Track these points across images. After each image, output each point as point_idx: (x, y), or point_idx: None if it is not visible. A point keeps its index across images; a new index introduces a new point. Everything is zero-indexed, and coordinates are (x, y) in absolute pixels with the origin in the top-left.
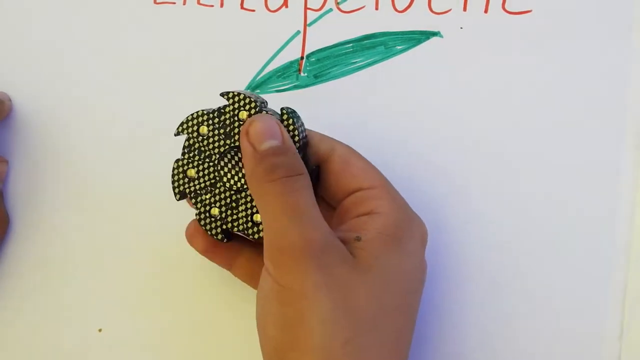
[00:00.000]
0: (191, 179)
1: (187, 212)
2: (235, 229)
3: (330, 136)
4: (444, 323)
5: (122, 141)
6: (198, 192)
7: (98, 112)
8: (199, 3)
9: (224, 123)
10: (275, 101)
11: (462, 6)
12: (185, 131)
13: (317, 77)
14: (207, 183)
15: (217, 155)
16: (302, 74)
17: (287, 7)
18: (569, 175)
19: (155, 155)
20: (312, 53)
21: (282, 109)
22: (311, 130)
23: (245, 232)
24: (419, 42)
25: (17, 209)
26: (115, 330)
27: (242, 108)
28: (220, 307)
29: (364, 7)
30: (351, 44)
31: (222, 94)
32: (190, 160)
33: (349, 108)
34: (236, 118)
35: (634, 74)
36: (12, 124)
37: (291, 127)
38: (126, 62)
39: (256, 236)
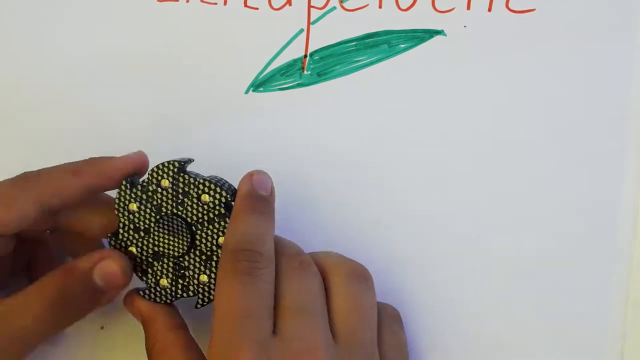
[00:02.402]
0: (133, 257)
1: None
2: (185, 294)
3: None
4: (444, 323)
5: (122, 140)
6: (144, 267)
7: (98, 111)
8: (202, 1)
9: (149, 196)
10: (279, 99)
11: (466, 5)
12: (118, 212)
13: (321, 75)
14: (150, 258)
15: (153, 228)
16: (305, 72)
17: (290, 5)
18: (571, 176)
19: (155, 155)
20: (316, 51)
21: (205, 180)
22: None
23: (196, 295)
24: (422, 40)
25: None
26: (117, 328)
27: (162, 177)
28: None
29: (367, 5)
30: (354, 42)
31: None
32: (128, 238)
33: (352, 106)
34: (160, 188)
35: (639, 73)
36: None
37: (218, 190)
38: (128, 59)
39: (206, 300)
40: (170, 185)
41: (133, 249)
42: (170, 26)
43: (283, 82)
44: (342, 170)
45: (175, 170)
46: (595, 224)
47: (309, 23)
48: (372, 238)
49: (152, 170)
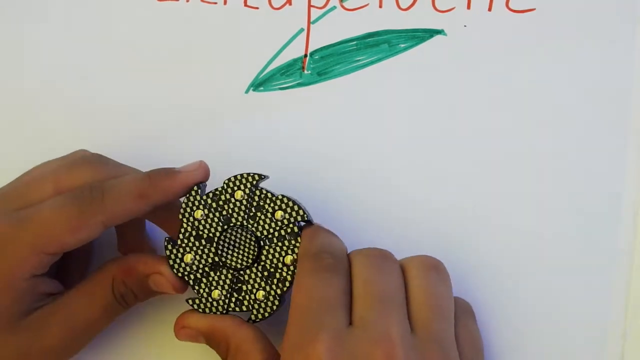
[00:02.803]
0: (188, 264)
1: None
2: (238, 308)
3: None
4: None
5: (122, 139)
6: (198, 277)
7: (99, 110)
8: (202, 0)
9: (220, 205)
10: (279, 98)
11: (466, 4)
12: (183, 217)
13: (321, 75)
14: (207, 268)
15: (218, 237)
16: (305, 72)
17: (290, 4)
18: (571, 175)
19: (156, 154)
20: (316, 51)
21: (283, 196)
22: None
23: (250, 311)
24: (422, 40)
25: None
26: (118, 326)
27: (238, 188)
28: None
29: (367, 5)
30: (355, 42)
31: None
32: (188, 245)
33: (352, 105)
34: (233, 199)
35: (639, 72)
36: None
37: (296, 208)
38: (128, 59)
39: (260, 316)
40: (245, 197)
41: (189, 257)
42: (171, 26)
43: (283, 81)
44: (342, 170)
45: (254, 182)
46: (596, 224)
47: (309, 22)
48: (372, 237)
49: (229, 180)
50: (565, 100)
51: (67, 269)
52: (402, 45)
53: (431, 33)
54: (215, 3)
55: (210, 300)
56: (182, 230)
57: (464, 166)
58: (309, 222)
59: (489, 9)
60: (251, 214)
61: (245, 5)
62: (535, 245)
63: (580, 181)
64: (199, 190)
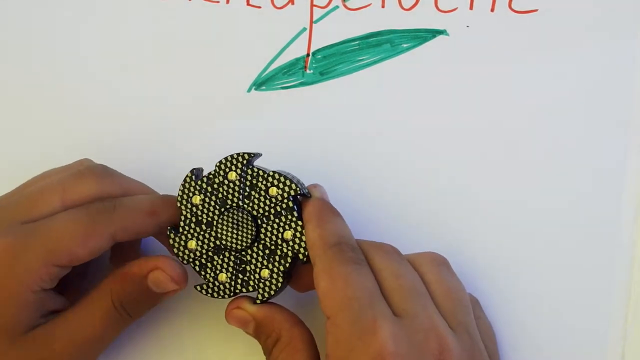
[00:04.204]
0: (192, 251)
1: None
2: (245, 289)
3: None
4: None
5: (123, 140)
6: (203, 262)
7: (99, 109)
8: None
9: (215, 189)
10: (281, 98)
11: (469, 5)
12: (181, 204)
13: (323, 75)
14: (210, 252)
15: (216, 221)
16: (308, 71)
17: (293, 4)
18: (573, 176)
19: (157, 154)
20: (318, 50)
21: (274, 172)
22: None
23: (256, 290)
24: (425, 40)
25: None
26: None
27: (229, 169)
28: (223, 305)
29: (370, 4)
30: (357, 42)
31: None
32: (189, 232)
33: (354, 105)
34: (226, 181)
35: None
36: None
37: (288, 182)
38: (130, 58)
39: (266, 295)
40: (238, 178)
41: (193, 243)
42: (173, 25)
43: (285, 80)
44: (344, 169)
45: (245, 162)
46: (597, 224)
47: (311, 22)
48: (373, 236)
49: (220, 162)
50: (567, 100)
51: (69, 285)
52: (405, 45)
53: (434, 33)
54: (218, 2)
55: (217, 284)
56: (182, 217)
57: (465, 166)
58: (304, 195)
59: (492, 10)
60: (246, 193)
61: (248, 4)
62: (535, 244)
63: (581, 181)
64: (194, 177)
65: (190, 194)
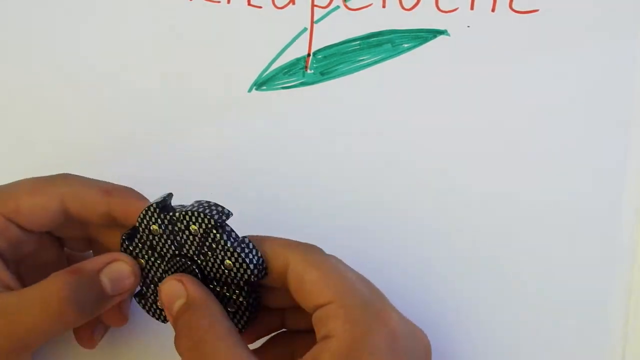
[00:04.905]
0: (140, 267)
1: None
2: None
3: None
4: (446, 321)
5: (124, 140)
6: (147, 282)
7: (100, 109)
8: None
9: (175, 230)
10: (282, 98)
11: (470, 5)
12: (139, 223)
13: (324, 75)
14: (156, 278)
15: (167, 258)
16: (308, 71)
17: (294, 4)
18: (573, 175)
19: (158, 154)
20: (319, 50)
21: (232, 248)
22: (265, 239)
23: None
24: (425, 40)
25: None
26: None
27: (192, 222)
28: None
29: (371, 4)
30: (358, 42)
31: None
32: (140, 250)
33: (355, 105)
34: (187, 231)
35: None
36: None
37: (244, 265)
38: (130, 58)
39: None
40: (200, 234)
41: (142, 262)
42: (173, 24)
43: (286, 80)
44: (344, 169)
45: (210, 225)
46: (598, 224)
47: (312, 22)
48: (373, 237)
49: (186, 212)
50: (568, 100)
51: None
52: (406, 45)
53: (434, 33)
54: (219, 2)
55: (155, 307)
56: (139, 235)
57: (465, 166)
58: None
59: (492, 10)
60: (202, 250)
61: (249, 4)
62: (535, 244)
63: (581, 181)
64: (157, 207)
65: (152, 221)
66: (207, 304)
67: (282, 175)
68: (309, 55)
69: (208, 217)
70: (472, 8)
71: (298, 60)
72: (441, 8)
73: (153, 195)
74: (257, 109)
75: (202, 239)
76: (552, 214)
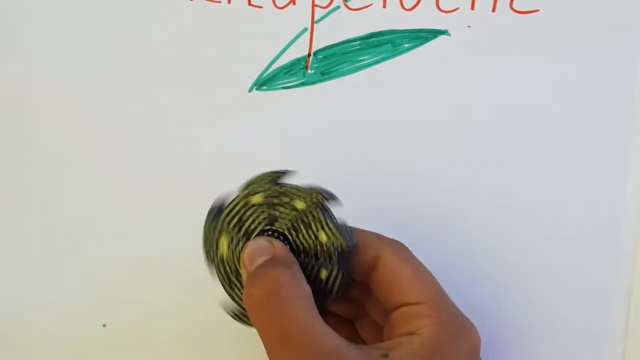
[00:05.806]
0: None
1: (194, 211)
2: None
3: (378, 231)
4: None
5: (124, 140)
6: (228, 270)
7: (99, 109)
8: None
9: (274, 204)
10: (283, 98)
11: (470, 5)
12: (241, 191)
13: (324, 74)
14: (237, 263)
15: (254, 235)
16: (309, 71)
17: (294, 4)
18: (574, 175)
19: (158, 154)
20: (320, 50)
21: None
22: (357, 230)
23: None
24: (426, 40)
25: (19, 202)
26: (119, 326)
27: (299, 198)
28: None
29: (371, 4)
30: (358, 42)
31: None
32: (225, 227)
33: (355, 105)
34: (291, 205)
35: None
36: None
37: (341, 239)
38: (131, 58)
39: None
40: (304, 210)
41: (225, 243)
42: (174, 24)
43: (287, 80)
44: (345, 169)
45: (320, 203)
46: (599, 224)
47: (312, 22)
48: None
49: (298, 189)
50: (568, 100)
51: None
52: (406, 45)
53: (435, 33)
54: (219, 2)
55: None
56: (230, 207)
57: (466, 166)
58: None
59: (493, 10)
60: (295, 225)
61: (249, 4)
62: (536, 244)
63: (582, 181)
64: (273, 176)
65: (257, 190)
66: (292, 264)
67: None
68: (309, 55)
69: (320, 196)
70: (472, 8)
71: (299, 60)
72: (442, 8)
73: (154, 195)
74: (258, 109)
75: (302, 214)
76: (551, 213)
